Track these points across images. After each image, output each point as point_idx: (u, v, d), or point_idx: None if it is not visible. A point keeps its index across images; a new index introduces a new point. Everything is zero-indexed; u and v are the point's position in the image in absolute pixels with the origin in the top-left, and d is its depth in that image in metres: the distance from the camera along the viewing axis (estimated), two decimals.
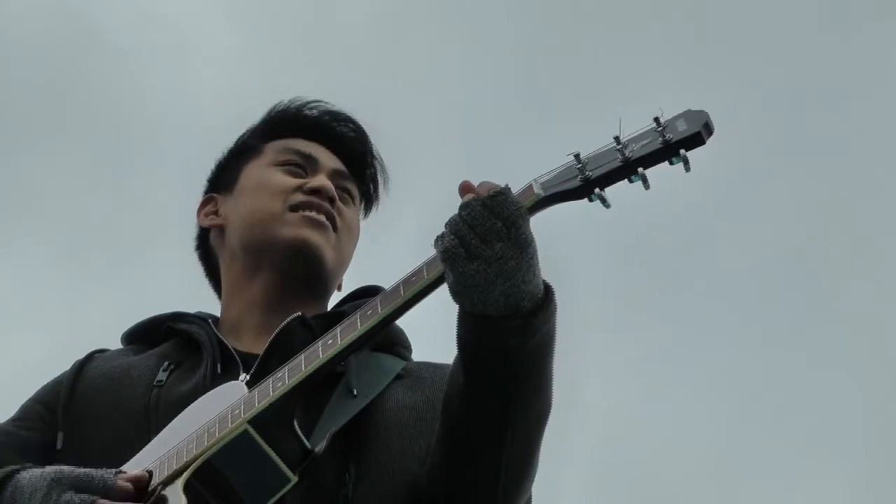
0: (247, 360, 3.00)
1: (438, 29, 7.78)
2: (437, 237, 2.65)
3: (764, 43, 7.83)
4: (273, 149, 3.28)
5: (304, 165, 3.24)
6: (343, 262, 3.22)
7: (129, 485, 2.69)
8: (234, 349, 3.04)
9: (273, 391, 2.73)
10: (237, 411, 2.74)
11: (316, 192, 3.18)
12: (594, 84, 7.44)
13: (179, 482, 2.69)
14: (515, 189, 2.68)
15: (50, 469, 2.73)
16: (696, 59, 7.63)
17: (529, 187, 2.67)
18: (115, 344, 3.24)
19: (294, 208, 3.16)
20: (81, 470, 2.70)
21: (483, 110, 7.54)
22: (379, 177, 3.37)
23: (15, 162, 7.12)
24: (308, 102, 3.35)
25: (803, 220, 7.70)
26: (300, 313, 3.04)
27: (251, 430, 2.71)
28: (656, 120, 2.60)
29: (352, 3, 7.75)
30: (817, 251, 7.75)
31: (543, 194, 2.64)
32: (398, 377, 3.00)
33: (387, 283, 3.04)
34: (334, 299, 3.26)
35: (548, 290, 2.70)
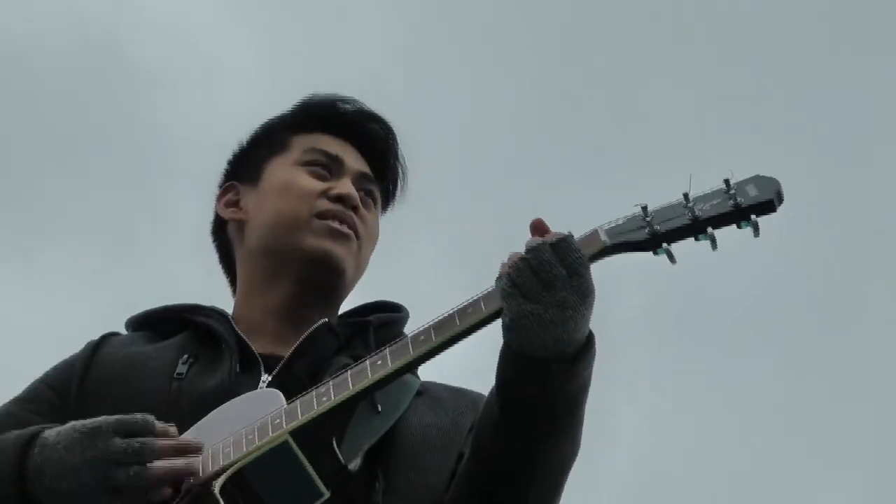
0: (267, 362, 3.00)
1: (469, 66, 7.82)
2: (499, 275, 2.67)
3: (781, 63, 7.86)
4: (299, 146, 3.24)
5: (330, 166, 3.21)
6: (361, 269, 3.21)
7: (172, 428, 2.70)
8: (254, 350, 3.03)
9: (318, 405, 2.73)
10: (278, 421, 2.73)
11: (340, 199, 3.15)
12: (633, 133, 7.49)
13: (216, 485, 2.68)
14: (579, 234, 2.71)
15: (82, 421, 2.68)
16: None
17: (595, 233, 2.69)
18: None
19: (320, 216, 3.13)
20: (116, 416, 2.67)
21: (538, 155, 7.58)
22: (399, 178, 3.34)
23: (41, 181, 7.15)
24: (339, 98, 3.32)
25: (825, 242, 7.74)
26: (326, 319, 3.06)
27: (291, 442, 2.71)
28: (726, 182, 2.62)
29: (379, 28, 7.76)
30: (838, 274, 7.80)
31: (609, 242, 2.67)
32: (417, 393, 3.01)
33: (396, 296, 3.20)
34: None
35: (589, 336, 2.73)
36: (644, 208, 2.66)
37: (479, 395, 3.04)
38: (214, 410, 2.85)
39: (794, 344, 7.84)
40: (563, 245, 2.64)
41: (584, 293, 2.64)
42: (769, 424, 7.83)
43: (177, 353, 3.01)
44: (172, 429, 2.72)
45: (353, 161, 3.25)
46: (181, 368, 2.96)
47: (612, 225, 2.69)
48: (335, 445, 2.77)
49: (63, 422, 2.82)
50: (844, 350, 7.86)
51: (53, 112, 7.15)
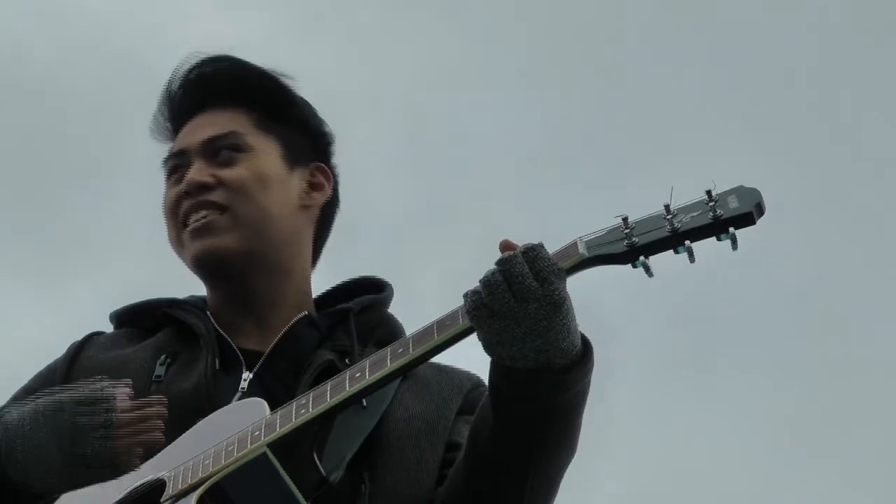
0: (249, 358, 2.97)
1: (498, 84, 7.79)
2: (466, 293, 2.63)
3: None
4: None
5: (180, 164, 3.11)
6: (263, 223, 3.04)
7: (128, 389, 2.65)
8: (235, 346, 3.00)
9: (296, 417, 2.72)
10: (257, 433, 2.72)
11: (186, 195, 3.05)
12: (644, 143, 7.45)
13: (193, 497, 2.68)
14: (560, 245, 2.66)
15: (42, 399, 2.65)
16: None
17: (574, 245, 2.64)
18: None
19: (185, 224, 3.05)
20: (75, 390, 2.64)
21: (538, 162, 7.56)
22: (264, 76, 3.16)
23: (69, 207, 7.21)
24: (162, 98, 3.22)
25: (837, 264, 7.66)
26: (306, 313, 3.03)
27: (269, 454, 2.70)
28: (708, 193, 2.57)
29: (412, 45, 7.77)
30: (849, 293, 7.72)
31: (587, 255, 2.61)
32: (403, 378, 2.95)
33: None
34: (330, 283, 3.22)
35: (586, 346, 2.69)
36: (625, 220, 2.61)
37: (467, 376, 3.03)
38: (201, 421, 2.84)
39: (804, 361, 7.76)
40: (533, 254, 2.59)
41: (556, 302, 2.58)
42: (778, 446, 7.76)
43: (154, 354, 2.98)
44: (129, 389, 2.67)
45: (194, 136, 3.11)
46: (159, 371, 2.94)
47: (593, 237, 2.64)
48: (316, 458, 2.76)
49: None
50: (856, 366, 7.78)
51: (82, 138, 7.22)
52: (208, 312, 3.08)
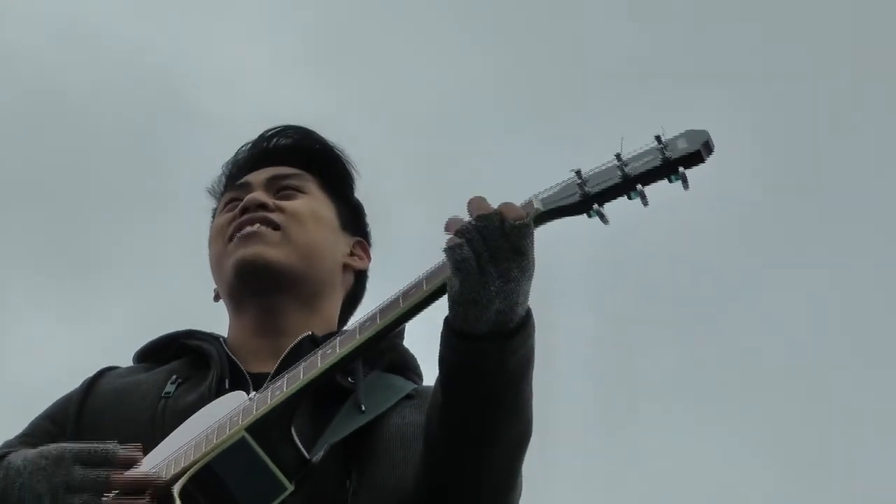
0: (256, 380, 3.01)
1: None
2: (451, 245, 2.63)
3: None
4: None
5: (239, 196, 3.26)
6: (312, 251, 3.19)
7: (136, 453, 2.69)
8: (245, 370, 3.06)
9: (271, 399, 2.74)
10: (236, 418, 2.75)
11: (244, 210, 3.19)
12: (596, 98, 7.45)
13: (175, 487, 2.69)
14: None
15: (49, 447, 2.71)
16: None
17: (529, 203, 2.67)
18: None
19: (231, 238, 3.18)
20: (81, 444, 2.69)
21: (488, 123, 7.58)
22: (337, 156, 3.35)
23: (97, 228, 7.31)
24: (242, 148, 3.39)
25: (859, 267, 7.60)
26: (310, 332, 3.07)
27: (248, 438, 2.71)
28: (657, 138, 2.60)
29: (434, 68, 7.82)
30: (870, 307, 7.66)
31: (542, 209, 2.64)
32: (408, 397, 3.00)
33: None
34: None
35: (527, 311, 2.70)
36: (578, 172, 2.64)
37: None
38: (188, 419, 2.87)
39: (830, 379, 7.70)
40: (523, 230, 2.60)
41: (525, 268, 2.62)
42: (806, 467, 7.69)
43: (167, 376, 3.06)
44: (138, 454, 2.71)
45: (262, 174, 3.29)
46: (169, 388, 3.02)
47: (548, 193, 2.68)
48: (295, 438, 2.76)
49: None
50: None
51: (111, 160, 7.31)
52: (221, 340, 3.16)
